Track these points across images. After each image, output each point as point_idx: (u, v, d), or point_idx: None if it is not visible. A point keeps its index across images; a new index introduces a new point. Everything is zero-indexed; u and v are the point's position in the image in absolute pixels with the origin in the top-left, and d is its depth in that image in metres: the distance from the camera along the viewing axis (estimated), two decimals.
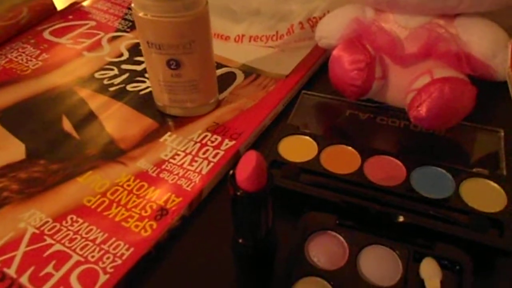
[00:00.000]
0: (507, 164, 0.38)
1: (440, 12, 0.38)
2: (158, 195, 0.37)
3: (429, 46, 0.38)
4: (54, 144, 0.42)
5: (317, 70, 0.52)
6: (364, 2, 0.42)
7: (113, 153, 0.41)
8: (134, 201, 0.36)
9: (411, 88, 0.39)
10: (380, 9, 0.41)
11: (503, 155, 0.39)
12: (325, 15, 0.51)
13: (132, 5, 0.38)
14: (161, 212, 0.35)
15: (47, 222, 0.35)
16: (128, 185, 0.38)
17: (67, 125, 0.44)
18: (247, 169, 0.24)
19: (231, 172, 0.26)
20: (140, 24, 0.39)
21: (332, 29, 0.44)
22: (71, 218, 0.35)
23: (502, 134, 0.41)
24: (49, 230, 0.34)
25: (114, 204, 0.36)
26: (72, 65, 0.53)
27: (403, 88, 0.40)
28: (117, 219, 0.35)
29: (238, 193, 0.25)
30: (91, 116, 0.45)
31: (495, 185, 0.35)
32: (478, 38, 0.37)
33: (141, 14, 0.38)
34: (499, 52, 0.37)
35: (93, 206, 0.36)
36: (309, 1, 0.53)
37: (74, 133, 0.43)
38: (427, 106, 0.37)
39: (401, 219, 0.33)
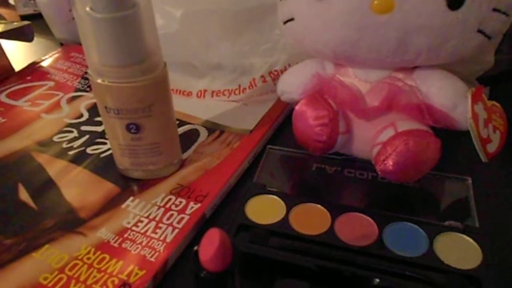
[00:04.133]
0: (478, 213, 0.38)
1: (399, 66, 0.38)
2: (120, 268, 0.34)
3: (390, 100, 0.38)
4: (9, 216, 0.40)
5: (282, 123, 0.51)
6: (323, 57, 0.42)
7: (72, 223, 0.39)
8: (95, 276, 0.34)
9: (376, 141, 0.38)
10: (340, 63, 0.41)
11: (473, 204, 0.39)
12: (286, 68, 0.51)
13: (89, 71, 0.37)
14: (124, 287, 0.33)
15: None
16: (88, 258, 0.35)
17: (23, 194, 0.42)
18: (211, 249, 0.23)
19: (195, 248, 0.25)
20: (97, 89, 0.38)
21: (293, 84, 0.44)
22: None
23: (470, 181, 0.41)
24: None
25: (73, 281, 0.34)
26: (30, 128, 0.51)
27: (368, 141, 0.40)
28: None
29: (202, 274, 0.23)
30: (49, 184, 0.43)
31: (469, 239, 0.34)
32: (437, 89, 0.38)
33: (98, 81, 0.37)
34: (459, 103, 0.37)
35: (50, 285, 0.33)
36: (270, 55, 0.53)
37: (31, 203, 0.41)
38: (393, 160, 0.36)
39: (376, 281, 0.31)
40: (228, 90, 0.53)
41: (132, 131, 0.39)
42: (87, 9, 0.34)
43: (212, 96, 0.54)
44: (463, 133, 0.38)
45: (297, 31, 0.40)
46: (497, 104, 0.39)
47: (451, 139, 0.39)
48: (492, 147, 0.37)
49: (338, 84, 0.40)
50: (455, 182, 0.41)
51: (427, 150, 0.36)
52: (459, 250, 0.33)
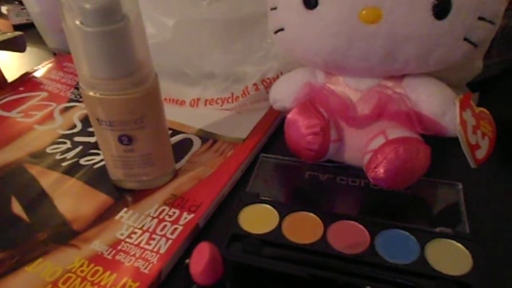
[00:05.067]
0: (468, 218, 0.38)
1: (388, 74, 0.39)
2: (114, 281, 0.35)
3: (380, 108, 0.38)
4: (2, 229, 0.40)
5: (275, 131, 0.51)
6: (314, 66, 0.42)
7: (65, 235, 0.39)
8: None
9: (367, 149, 0.39)
10: (330, 72, 0.41)
11: (464, 209, 0.39)
12: (278, 76, 0.52)
13: (80, 83, 0.38)
14: None
15: None
16: (82, 271, 0.35)
17: (16, 207, 0.42)
18: (201, 263, 0.23)
19: (186, 261, 0.25)
20: (89, 102, 0.38)
21: (285, 93, 0.44)
22: None
23: (461, 187, 0.41)
24: None
25: None
26: (23, 140, 0.51)
27: (360, 148, 0.40)
28: None
29: None
30: (42, 196, 0.43)
31: (460, 245, 0.34)
32: (426, 97, 0.38)
33: (90, 93, 0.37)
34: (447, 110, 0.37)
35: None
36: (262, 63, 0.53)
37: (24, 216, 0.41)
38: (384, 167, 0.37)
39: None
40: (221, 98, 0.54)
41: (125, 142, 0.39)
42: (77, 22, 0.34)
43: (205, 104, 0.54)
44: (453, 140, 0.38)
45: (287, 40, 0.40)
46: (486, 111, 0.39)
47: (441, 145, 0.39)
48: (481, 154, 0.37)
49: (329, 93, 0.40)
50: (446, 188, 0.42)
51: (417, 157, 0.37)
52: (450, 256, 0.34)
